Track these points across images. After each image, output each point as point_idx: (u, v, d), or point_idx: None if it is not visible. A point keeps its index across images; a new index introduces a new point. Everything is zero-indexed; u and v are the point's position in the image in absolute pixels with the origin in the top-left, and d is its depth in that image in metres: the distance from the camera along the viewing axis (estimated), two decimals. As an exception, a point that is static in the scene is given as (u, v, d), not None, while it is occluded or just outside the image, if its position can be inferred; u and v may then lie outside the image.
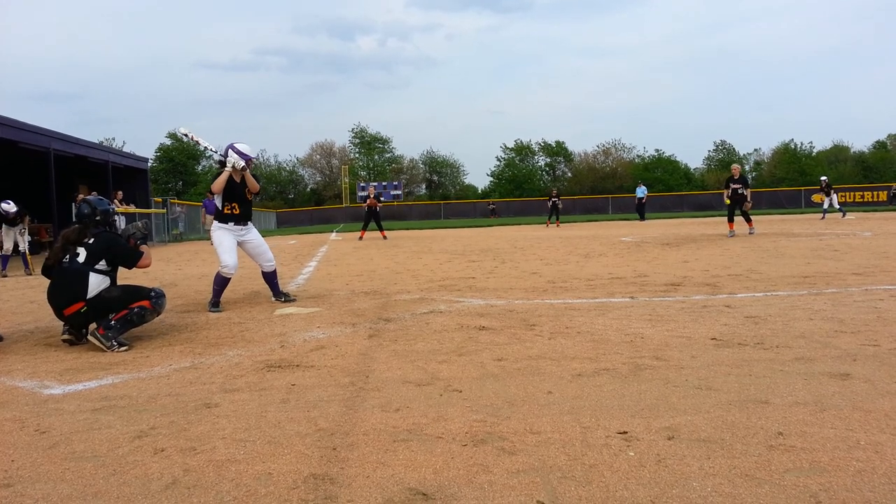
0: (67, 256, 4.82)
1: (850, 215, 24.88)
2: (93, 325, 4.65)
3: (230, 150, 6.35)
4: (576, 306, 5.71)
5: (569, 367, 3.62)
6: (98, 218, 4.97)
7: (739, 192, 15.55)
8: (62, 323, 4.81)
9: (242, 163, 6.27)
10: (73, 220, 5.07)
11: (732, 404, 2.87)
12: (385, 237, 20.67)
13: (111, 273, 4.90)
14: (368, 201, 20.85)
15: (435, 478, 2.23)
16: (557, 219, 28.42)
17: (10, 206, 11.99)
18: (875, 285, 6.26)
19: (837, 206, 24.96)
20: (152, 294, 4.84)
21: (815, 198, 25.74)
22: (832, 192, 25.07)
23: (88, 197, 5.19)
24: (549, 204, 28.51)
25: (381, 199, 21.76)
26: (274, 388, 3.41)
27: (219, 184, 6.27)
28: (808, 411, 2.75)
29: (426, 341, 4.42)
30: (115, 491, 2.20)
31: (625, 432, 2.58)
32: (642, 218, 30.40)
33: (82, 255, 4.79)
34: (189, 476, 2.30)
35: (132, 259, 5.00)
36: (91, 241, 4.84)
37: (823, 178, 27.26)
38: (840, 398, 2.91)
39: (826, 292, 5.95)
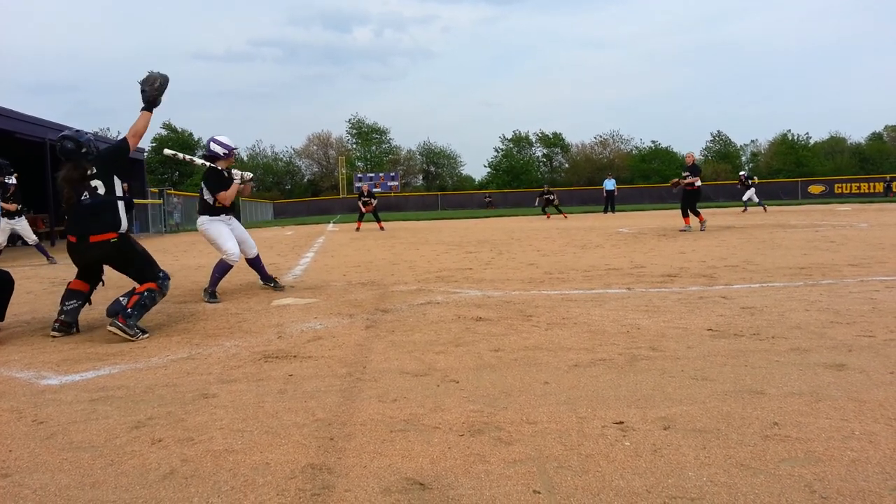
0: (86, 193, 4.72)
1: (769, 207, 25.25)
2: (110, 319, 4.58)
3: (213, 143, 6.51)
4: (572, 297, 5.71)
5: (565, 357, 3.63)
6: (84, 150, 4.76)
7: (696, 184, 14.31)
8: (55, 317, 4.79)
9: (250, 175, 6.59)
10: (62, 157, 4.77)
11: (728, 395, 2.89)
12: (382, 228, 20.71)
13: (128, 198, 4.93)
14: (366, 209, 20.98)
15: (432, 468, 2.23)
16: (559, 210, 28.13)
17: (11, 179, 11.87)
18: (871, 276, 6.29)
19: (757, 200, 25.14)
20: (160, 275, 4.87)
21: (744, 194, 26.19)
22: (752, 185, 25.43)
23: (66, 132, 4.87)
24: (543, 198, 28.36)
25: (374, 199, 21.88)
26: (271, 378, 3.41)
27: (230, 196, 6.46)
28: (803, 402, 2.76)
29: (423, 332, 4.43)
30: (113, 481, 2.21)
31: (621, 422, 2.59)
32: (613, 210, 30.21)
33: (100, 186, 4.75)
34: (187, 466, 2.31)
35: (121, 150, 4.93)
36: (94, 170, 4.75)
37: (742, 172, 28.15)
38: (835, 388, 2.92)
39: (822, 283, 5.97)
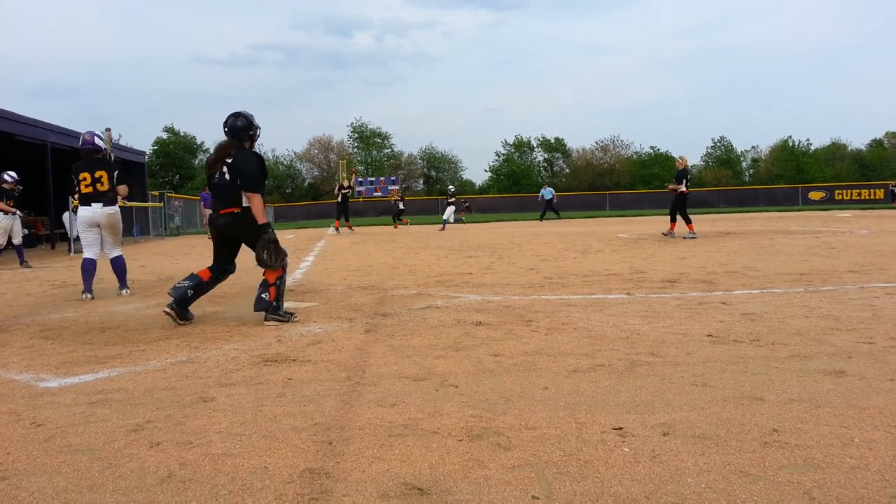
0: (218, 174, 5.10)
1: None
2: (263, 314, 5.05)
3: (97, 139, 6.99)
4: (572, 302, 5.71)
5: (565, 362, 3.63)
6: (251, 133, 5.22)
7: (679, 189, 14.09)
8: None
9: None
10: (226, 133, 5.17)
11: (728, 401, 2.88)
12: (339, 230, 21.42)
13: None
14: (344, 190, 21.67)
15: (430, 472, 2.23)
16: (398, 219, 27.36)
17: (13, 175, 11.90)
18: (871, 283, 6.28)
19: (453, 220, 24.86)
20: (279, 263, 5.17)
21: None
22: (451, 204, 25.53)
23: (243, 111, 5.28)
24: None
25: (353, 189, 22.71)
26: (270, 382, 3.41)
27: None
28: (802, 408, 2.76)
29: (423, 336, 4.43)
30: (111, 484, 2.20)
31: (620, 428, 2.59)
32: (555, 214, 29.75)
33: (226, 172, 5.10)
34: (185, 470, 2.30)
35: (250, 185, 5.02)
36: (231, 160, 5.08)
37: (451, 187, 28.51)
38: (835, 395, 2.92)
39: (822, 290, 5.97)
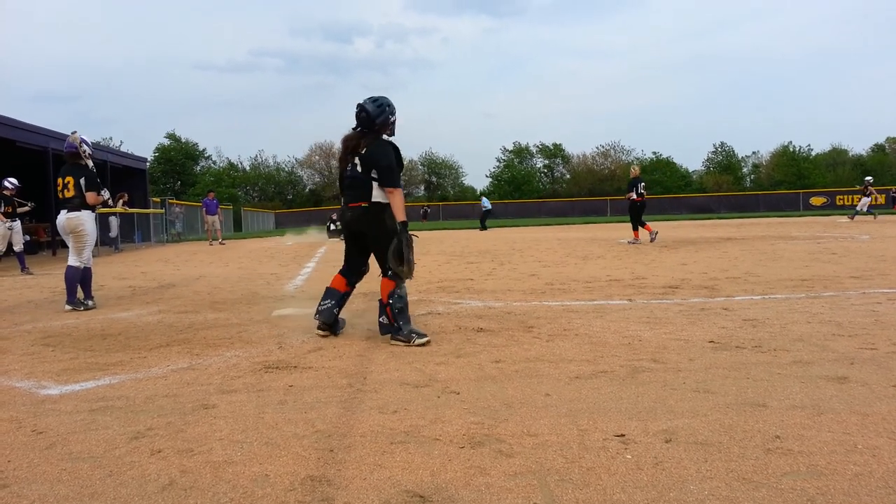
0: (350, 166, 4.73)
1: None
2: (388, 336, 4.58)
3: (84, 143, 6.98)
4: (574, 308, 5.71)
5: (566, 369, 3.62)
6: (377, 127, 4.71)
7: (632, 197, 14.79)
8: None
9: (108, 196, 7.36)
10: (358, 121, 4.73)
11: (730, 407, 2.87)
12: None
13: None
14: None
15: (432, 480, 2.22)
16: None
17: (14, 182, 11.93)
18: (873, 289, 6.27)
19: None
20: (390, 273, 4.59)
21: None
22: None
23: (380, 100, 4.79)
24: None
25: None
26: (271, 389, 3.40)
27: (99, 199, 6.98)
28: (805, 415, 2.75)
29: (424, 343, 4.42)
30: (112, 492, 2.20)
31: (622, 435, 2.58)
32: (483, 227, 28.84)
33: (358, 165, 4.68)
34: (186, 477, 2.30)
35: (390, 179, 4.59)
36: (364, 151, 4.65)
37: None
38: (837, 402, 2.91)
39: (824, 296, 5.96)
